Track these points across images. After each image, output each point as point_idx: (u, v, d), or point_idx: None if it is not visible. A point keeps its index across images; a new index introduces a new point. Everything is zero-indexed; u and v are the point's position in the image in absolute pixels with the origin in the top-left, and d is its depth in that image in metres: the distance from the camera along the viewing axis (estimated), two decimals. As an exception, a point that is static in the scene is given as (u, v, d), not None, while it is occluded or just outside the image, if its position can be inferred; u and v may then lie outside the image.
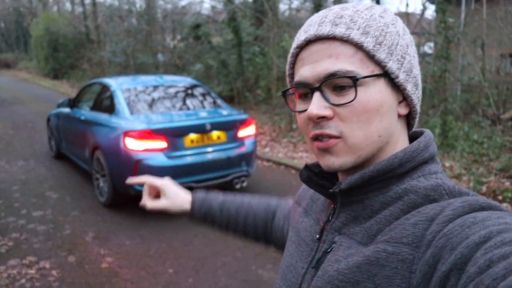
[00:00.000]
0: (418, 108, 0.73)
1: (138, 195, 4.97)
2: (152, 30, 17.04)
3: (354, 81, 0.64)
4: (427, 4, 11.24)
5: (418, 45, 11.23)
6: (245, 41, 12.43)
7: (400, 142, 0.72)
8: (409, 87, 0.69)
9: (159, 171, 4.77)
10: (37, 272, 3.83)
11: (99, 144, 5.29)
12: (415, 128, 0.79)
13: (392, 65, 0.67)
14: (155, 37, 17.39)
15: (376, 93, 0.66)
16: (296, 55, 0.72)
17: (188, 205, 1.19)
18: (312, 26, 0.69)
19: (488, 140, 7.51)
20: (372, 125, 0.66)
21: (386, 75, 0.67)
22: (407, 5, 17.86)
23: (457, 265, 0.51)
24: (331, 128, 0.67)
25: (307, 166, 0.79)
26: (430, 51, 11.57)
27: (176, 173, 4.85)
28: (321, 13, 0.71)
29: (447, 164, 6.58)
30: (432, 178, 0.67)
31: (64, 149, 7.19)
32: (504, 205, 5.18)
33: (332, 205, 0.77)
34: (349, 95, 0.66)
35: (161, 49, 17.47)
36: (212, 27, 15.41)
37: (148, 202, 1.21)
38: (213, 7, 15.91)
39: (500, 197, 5.37)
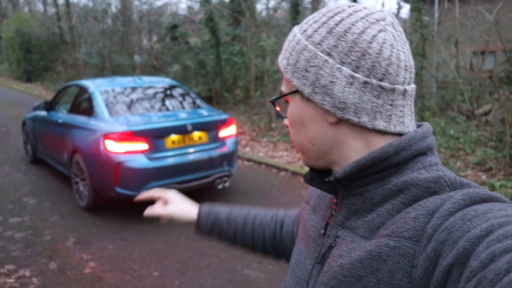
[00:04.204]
0: (347, 114, 0.68)
1: (119, 198, 4.90)
2: (128, 31, 16.84)
3: (273, 102, 0.81)
4: (402, 3, 11.42)
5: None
6: (222, 41, 12.40)
7: (354, 145, 0.71)
8: (318, 98, 0.68)
9: (141, 173, 4.73)
10: (16, 280, 3.73)
11: (78, 147, 5.19)
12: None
13: (296, 82, 0.72)
14: (131, 38, 17.20)
15: (294, 107, 0.75)
16: None
17: (194, 215, 1.19)
18: None
19: (464, 135, 7.70)
20: (300, 135, 0.76)
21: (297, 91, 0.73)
22: (382, 4, 18.10)
23: (459, 259, 0.52)
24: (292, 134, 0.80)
25: (311, 168, 0.81)
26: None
27: (158, 174, 4.80)
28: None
29: (433, 158, 6.71)
30: (433, 170, 0.67)
31: (40, 153, 7.03)
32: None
33: (335, 200, 0.78)
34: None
35: (138, 50, 17.30)
36: (189, 28, 15.33)
37: (155, 208, 1.20)
38: (190, 8, 15.83)
39: (477, 191, 5.49)
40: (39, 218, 5.08)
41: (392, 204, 0.66)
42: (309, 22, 0.72)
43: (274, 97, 0.80)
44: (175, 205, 1.19)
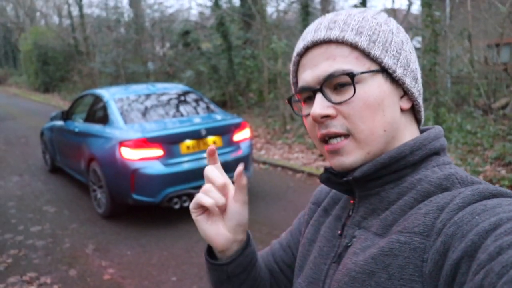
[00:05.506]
0: (420, 101, 0.75)
1: (136, 205, 4.96)
2: (141, 39, 17.02)
3: (351, 77, 0.67)
4: (413, -1, 11.32)
5: (407, 40, 11.28)
6: (234, 45, 12.45)
7: (407, 137, 0.74)
8: (408, 81, 0.72)
9: (157, 180, 4.77)
10: None
11: (94, 156, 5.28)
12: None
13: (388, 61, 0.69)
14: (144, 46, 17.37)
15: (375, 88, 0.69)
16: (297, 63, 0.76)
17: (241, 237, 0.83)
18: (308, 33, 0.73)
19: (481, 129, 7.57)
20: (375, 119, 0.69)
21: (384, 70, 0.70)
22: (393, 1, 17.99)
23: (467, 253, 0.52)
24: (336, 127, 0.70)
25: (326, 169, 0.81)
26: (418, 46, 11.64)
27: (173, 180, 4.84)
28: (317, 21, 0.75)
29: (446, 158, 6.62)
30: (446, 168, 0.69)
31: (59, 163, 7.16)
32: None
33: (352, 201, 0.78)
34: (349, 92, 0.68)
35: (151, 58, 17.45)
36: (201, 33, 15.41)
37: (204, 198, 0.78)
38: (201, 13, 15.92)
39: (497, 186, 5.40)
40: (59, 226, 5.17)
41: (405, 201, 0.67)
42: (362, 15, 0.72)
43: (354, 72, 0.68)
44: (226, 225, 0.80)
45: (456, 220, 0.57)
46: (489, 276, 0.46)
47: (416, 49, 11.06)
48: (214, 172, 0.78)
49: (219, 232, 0.79)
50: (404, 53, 0.72)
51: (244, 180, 0.77)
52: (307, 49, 0.73)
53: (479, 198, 0.59)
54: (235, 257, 0.82)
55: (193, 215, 0.79)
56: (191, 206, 0.78)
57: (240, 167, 0.76)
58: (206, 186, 0.77)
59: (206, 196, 0.77)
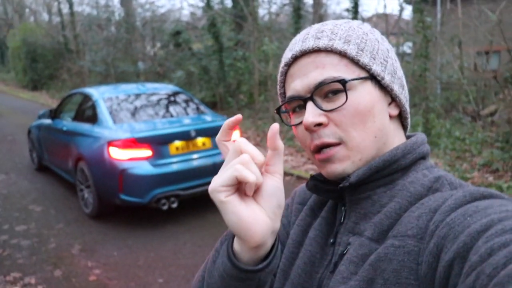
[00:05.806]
0: (407, 107, 0.77)
1: (124, 205, 4.91)
2: (132, 38, 16.91)
3: (343, 84, 0.68)
4: (404, 5, 11.43)
5: (397, 45, 11.40)
6: (225, 47, 12.42)
7: (396, 142, 0.75)
8: (396, 88, 0.73)
9: (145, 180, 4.73)
10: (22, 288, 3.75)
11: (82, 155, 5.21)
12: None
13: (376, 68, 0.71)
14: (135, 45, 17.26)
15: (365, 95, 0.70)
16: (285, 73, 0.77)
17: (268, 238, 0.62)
18: (296, 43, 0.74)
19: (470, 136, 7.65)
20: (366, 126, 0.69)
21: (372, 77, 0.71)
22: (384, 6, 18.12)
23: (460, 254, 0.52)
24: (329, 136, 0.70)
25: (312, 176, 0.80)
26: (409, 51, 11.73)
27: (162, 181, 4.80)
28: (303, 31, 0.76)
29: (431, 162, 6.68)
30: (434, 171, 0.72)
31: (46, 161, 7.07)
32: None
33: (343, 207, 0.77)
34: (340, 99, 0.69)
35: (142, 57, 17.35)
36: (192, 34, 15.36)
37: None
38: (192, 14, 15.88)
39: (484, 192, 5.45)
40: (45, 226, 5.09)
41: (399, 204, 0.68)
42: (348, 24, 0.74)
43: (346, 79, 0.68)
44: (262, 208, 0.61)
45: (448, 222, 0.57)
46: (480, 278, 0.47)
47: (407, 54, 11.16)
48: (251, 145, 0.60)
49: (257, 217, 0.59)
50: (390, 60, 0.74)
51: (280, 143, 0.60)
52: (295, 58, 0.73)
53: (471, 199, 0.60)
54: (272, 258, 0.64)
55: (221, 196, 0.58)
56: (223, 182, 0.57)
57: (276, 125, 0.59)
58: (245, 157, 0.58)
59: (247, 169, 0.58)
